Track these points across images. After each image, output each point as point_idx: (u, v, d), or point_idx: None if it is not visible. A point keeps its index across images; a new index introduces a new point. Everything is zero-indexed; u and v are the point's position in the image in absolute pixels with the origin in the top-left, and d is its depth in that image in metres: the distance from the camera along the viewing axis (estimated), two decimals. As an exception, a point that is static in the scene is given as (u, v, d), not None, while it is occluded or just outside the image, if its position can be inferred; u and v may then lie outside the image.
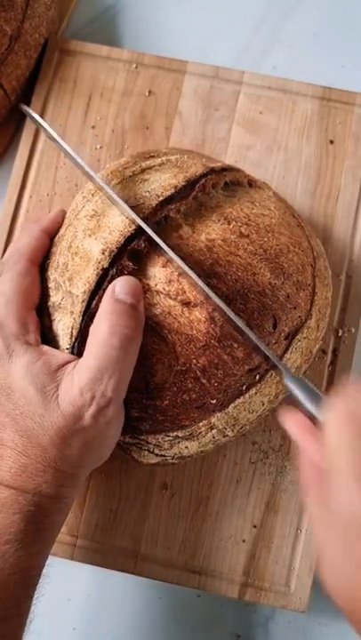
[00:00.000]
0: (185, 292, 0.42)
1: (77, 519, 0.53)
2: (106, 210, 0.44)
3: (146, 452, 0.45)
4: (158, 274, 0.43)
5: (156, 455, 0.45)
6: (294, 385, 0.39)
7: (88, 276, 0.42)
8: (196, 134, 0.57)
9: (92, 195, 0.46)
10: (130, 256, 0.43)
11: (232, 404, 0.43)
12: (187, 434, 0.44)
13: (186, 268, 0.41)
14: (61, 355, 0.43)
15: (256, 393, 0.44)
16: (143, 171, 0.46)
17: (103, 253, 0.42)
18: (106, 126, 0.57)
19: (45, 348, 0.43)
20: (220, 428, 0.44)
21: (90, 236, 0.43)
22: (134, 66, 0.58)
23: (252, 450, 0.53)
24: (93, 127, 0.57)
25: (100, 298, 0.42)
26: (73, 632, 0.55)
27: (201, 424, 0.44)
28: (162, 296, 0.42)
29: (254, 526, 0.52)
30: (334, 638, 0.55)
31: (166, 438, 0.44)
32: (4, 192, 0.57)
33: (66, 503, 0.44)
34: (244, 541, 0.52)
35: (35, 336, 0.43)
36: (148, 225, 0.43)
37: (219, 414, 0.43)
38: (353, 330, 0.54)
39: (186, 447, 0.45)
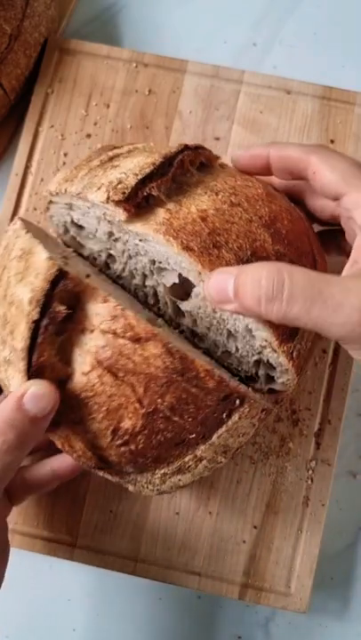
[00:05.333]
0: (133, 328, 0.38)
1: (77, 520, 0.53)
2: (33, 247, 0.40)
3: (140, 488, 0.43)
4: (101, 310, 0.39)
5: (152, 490, 0.43)
6: None
7: (22, 330, 0.38)
8: (196, 134, 0.57)
9: (22, 229, 0.42)
10: (62, 298, 0.39)
11: (215, 434, 0.40)
12: (175, 469, 0.41)
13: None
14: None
15: (240, 418, 0.40)
16: (111, 159, 0.44)
17: (31, 303, 0.38)
18: (106, 126, 0.57)
19: None
20: (210, 457, 0.41)
21: (20, 281, 0.39)
22: (134, 65, 0.58)
23: (253, 450, 0.53)
24: (94, 125, 0.57)
25: (40, 353, 0.38)
26: (73, 633, 0.55)
27: (187, 459, 0.41)
28: (109, 336, 0.38)
29: (255, 527, 0.52)
30: (335, 639, 0.55)
31: (155, 476, 0.42)
32: (4, 191, 0.57)
33: None
34: (244, 542, 0.52)
35: None
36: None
37: (203, 447, 0.40)
38: (353, 330, 0.54)
39: (179, 479, 0.42)
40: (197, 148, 0.45)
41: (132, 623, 0.55)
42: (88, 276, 0.41)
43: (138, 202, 0.40)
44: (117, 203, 0.40)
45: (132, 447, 0.40)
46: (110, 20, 0.62)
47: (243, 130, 0.57)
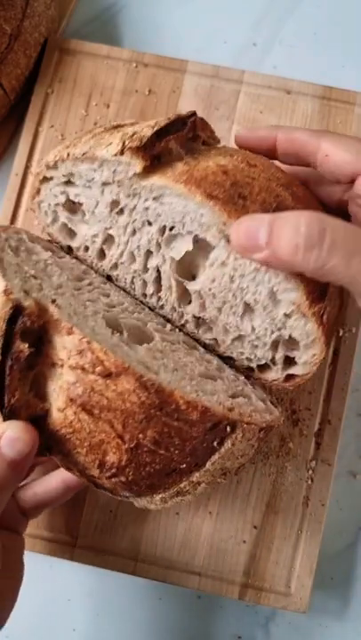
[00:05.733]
0: (102, 362, 0.35)
1: (77, 520, 0.53)
2: None
3: (144, 505, 0.41)
4: (67, 343, 0.36)
5: (155, 507, 0.41)
6: None
7: None
8: (196, 134, 0.57)
9: None
10: (24, 335, 0.36)
11: (208, 462, 0.37)
12: (173, 493, 0.39)
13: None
14: None
15: (234, 444, 0.37)
16: (115, 127, 0.42)
17: None
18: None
19: None
20: (208, 480, 0.39)
21: None
22: (134, 65, 0.58)
23: (253, 450, 0.53)
24: (94, 125, 0.57)
25: (11, 393, 0.37)
26: (73, 633, 0.55)
27: (183, 485, 0.38)
28: (78, 371, 0.36)
29: (255, 527, 0.52)
30: (335, 639, 0.55)
31: (155, 499, 0.40)
32: (4, 191, 0.57)
33: None
34: (244, 542, 0.52)
35: None
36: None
37: (198, 473, 0.38)
38: (353, 330, 0.54)
39: (181, 499, 0.40)
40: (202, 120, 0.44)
41: (132, 623, 0.55)
42: (54, 301, 0.38)
43: (154, 155, 0.38)
44: (134, 151, 0.38)
45: (123, 478, 0.38)
46: (110, 20, 0.62)
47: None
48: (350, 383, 0.53)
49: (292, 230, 0.35)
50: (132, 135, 0.38)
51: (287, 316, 0.40)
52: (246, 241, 0.36)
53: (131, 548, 0.52)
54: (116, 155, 0.38)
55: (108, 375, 0.36)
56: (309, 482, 0.52)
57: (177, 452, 0.36)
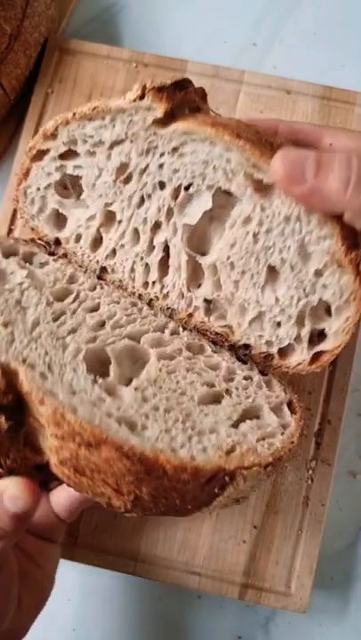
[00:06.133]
0: (80, 434, 0.34)
1: (77, 520, 0.52)
2: None
3: None
4: (43, 413, 0.35)
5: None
6: None
7: None
8: (196, 134, 0.57)
9: None
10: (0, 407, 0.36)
11: (214, 502, 0.36)
12: (188, 516, 0.39)
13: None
14: None
15: (236, 488, 0.36)
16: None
17: None
18: (106, 126, 0.57)
19: None
20: (221, 508, 0.38)
21: None
22: (134, 65, 0.58)
23: (253, 450, 0.53)
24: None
25: (5, 455, 0.37)
26: (73, 633, 0.55)
27: (195, 515, 0.38)
28: (60, 439, 0.35)
29: (255, 527, 0.52)
30: (335, 639, 0.55)
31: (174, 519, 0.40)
32: (4, 190, 0.57)
33: None
34: (244, 542, 0.52)
35: None
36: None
37: (206, 508, 0.37)
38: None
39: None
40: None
41: (132, 623, 0.55)
42: (25, 360, 0.37)
43: (172, 108, 0.36)
44: (156, 93, 0.36)
45: (134, 514, 0.37)
46: (110, 20, 0.62)
47: (243, 130, 0.57)
48: (350, 383, 0.53)
49: (344, 164, 0.34)
50: (151, 82, 0.37)
51: (318, 274, 0.37)
52: (291, 170, 0.34)
53: (131, 547, 0.52)
54: (135, 100, 0.37)
55: (88, 445, 0.34)
56: (309, 482, 0.52)
57: (177, 500, 0.35)
